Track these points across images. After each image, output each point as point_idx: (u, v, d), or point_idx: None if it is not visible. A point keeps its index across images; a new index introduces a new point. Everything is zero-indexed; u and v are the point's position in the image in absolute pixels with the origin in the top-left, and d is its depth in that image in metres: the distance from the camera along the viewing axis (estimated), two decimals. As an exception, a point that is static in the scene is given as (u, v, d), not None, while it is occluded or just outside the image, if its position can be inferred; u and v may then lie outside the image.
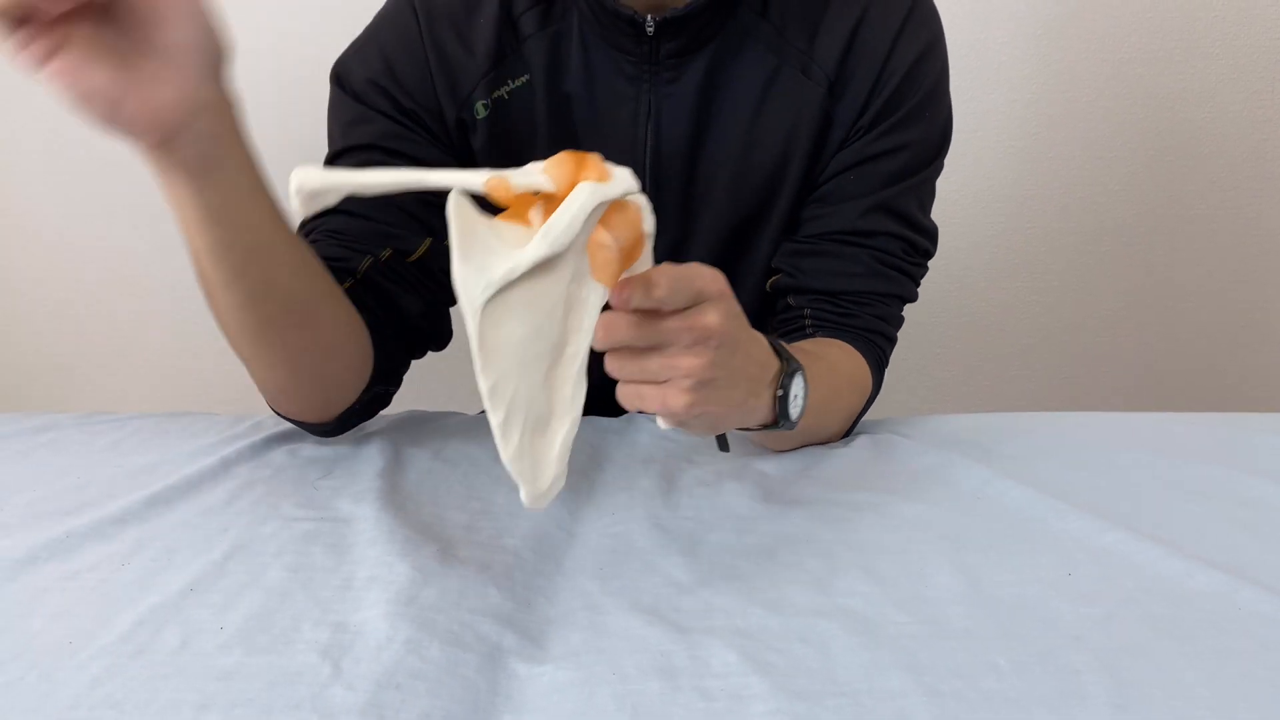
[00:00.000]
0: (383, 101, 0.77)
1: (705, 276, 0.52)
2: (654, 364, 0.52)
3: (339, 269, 0.71)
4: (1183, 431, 0.78)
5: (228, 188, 0.54)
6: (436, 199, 0.74)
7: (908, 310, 0.83)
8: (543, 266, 0.46)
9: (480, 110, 0.77)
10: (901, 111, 0.78)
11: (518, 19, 0.77)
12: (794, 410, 0.62)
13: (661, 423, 0.55)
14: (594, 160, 0.48)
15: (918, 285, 0.83)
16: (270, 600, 0.51)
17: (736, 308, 0.55)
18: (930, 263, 0.84)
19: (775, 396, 0.61)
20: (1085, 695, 0.43)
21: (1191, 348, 1.63)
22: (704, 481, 0.68)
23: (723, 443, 0.65)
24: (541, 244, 0.45)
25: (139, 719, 0.42)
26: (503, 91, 0.77)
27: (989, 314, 1.62)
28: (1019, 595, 0.52)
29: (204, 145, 0.51)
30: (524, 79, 0.77)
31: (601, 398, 0.88)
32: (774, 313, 0.84)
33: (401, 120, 0.77)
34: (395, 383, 0.78)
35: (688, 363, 0.52)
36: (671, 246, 0.83)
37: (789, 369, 0.62)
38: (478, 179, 0.46)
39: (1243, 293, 1.61)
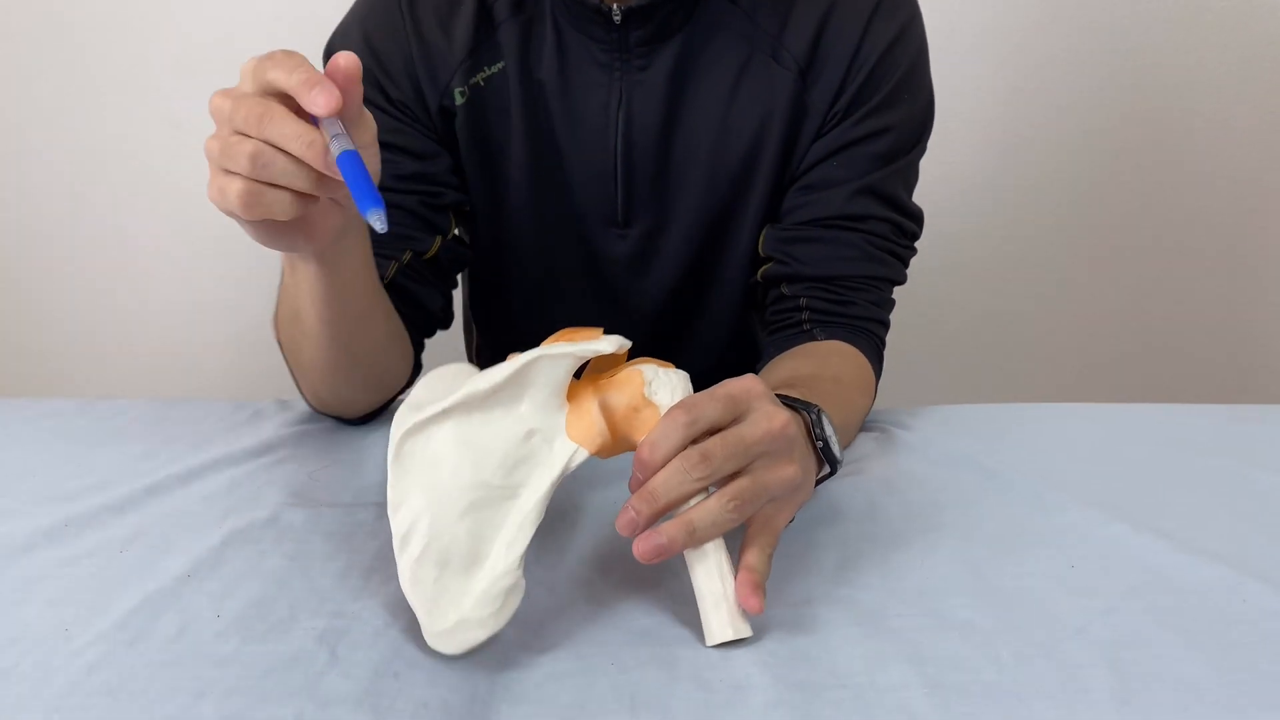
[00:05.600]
0: (374, 93, 0.77)
1: (733, 383, 0.49)
2: (768, 484, 0.48)
3: None
4: (1187, 423, 0.77)
5: (350, 274, 0.63)
6: (440, 200, 0.78)
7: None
8: (473, 410, 0.47)
9: (458, 97, 0.79)
10: (879, 96, 0.77)
11: (492, 5, 0.78)
12: (836, 451, 0.58)
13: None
14: (584, 333, 0.49)
15: (906, 268, 0.83)
16: (268, 588, 0.51)
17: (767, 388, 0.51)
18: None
19: (817, 450, 0.58)
20: (1088, 688, 0.43)
21: (1197, 339, 1.63)
22: (705, 471, 0.68)
23: None
24: (458, 392, 0.47)
25: (135, 706, 0.42)
26: (479, 78, 0.78)
27: (994, 306, 1.62)
28: (1021, 587, 0.51)
29: (342, 248, 0.60)
30: (499, 65, 0.79)
31: None
32: (762, 304, 0.83)
33: (392, 112, 0.78)
34: (419, 368, 0.82)
35: (788, 471, 0.49)
36: (646, 233, 0.84)
37: (811, 417, 0.58)
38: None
39: (1249, 285, 1.60)
